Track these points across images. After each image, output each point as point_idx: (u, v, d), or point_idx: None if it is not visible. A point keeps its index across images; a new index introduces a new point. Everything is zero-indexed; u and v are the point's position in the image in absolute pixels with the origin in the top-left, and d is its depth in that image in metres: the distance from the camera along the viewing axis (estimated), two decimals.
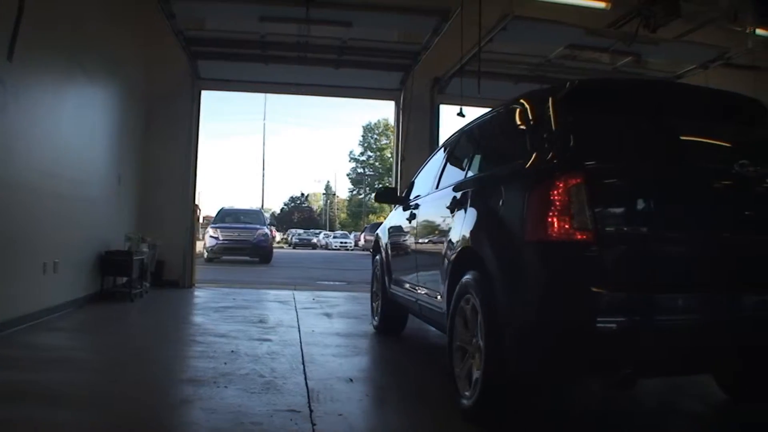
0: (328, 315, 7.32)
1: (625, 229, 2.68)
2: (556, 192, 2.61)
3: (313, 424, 3.12)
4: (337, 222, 70.76)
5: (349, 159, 71.55)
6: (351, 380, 4.07)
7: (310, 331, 6.02)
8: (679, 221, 2.75)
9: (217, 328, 6.01)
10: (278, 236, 52.68)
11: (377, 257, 6.11)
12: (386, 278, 5.64)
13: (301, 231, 50.95)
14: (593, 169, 2.69)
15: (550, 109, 3.05)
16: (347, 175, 70.18)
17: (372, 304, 6.37)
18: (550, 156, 2.85)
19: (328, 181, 75.59)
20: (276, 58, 8.86)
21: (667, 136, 2.97)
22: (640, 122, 3.00)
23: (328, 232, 53.31)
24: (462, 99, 8.28)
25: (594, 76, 9.24)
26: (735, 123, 3.22)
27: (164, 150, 9.45)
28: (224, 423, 3.11)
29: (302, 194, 74.03)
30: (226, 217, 20.01)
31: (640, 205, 2.74)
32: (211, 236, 18.27)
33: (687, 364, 2.78)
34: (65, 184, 6.33)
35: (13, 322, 5.22)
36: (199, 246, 15.61)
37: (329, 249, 43.81)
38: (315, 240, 48.26)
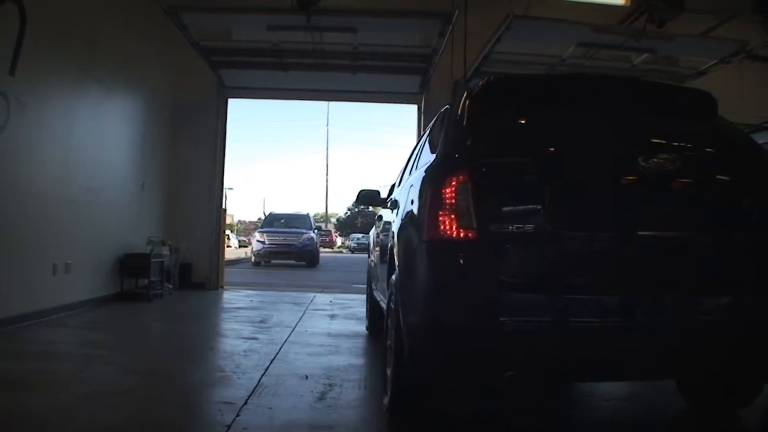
0: (332, 316, 7.43)
1: (512, 228, 2.52)
2: (442, 191, 2.57)
3: (237, 415, 3.23)
4: None
5: None
6: (306, 377, 4.16)
7: (303, 330, 6.15)
8: (572, 220, 2.61)
9: (213, 327, 6.25)
10: (339, 241, 53.44)
11: (368, 259, 6.20)
12: (370, 280, 5.71)
13: (360, 236, 51.52)
14: (481, 167, 2.60)
15: (464, 106, 3.03)
16: None
17: (366, 306, 6.45)
18: (451, 154, 2.83)
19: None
20: (294, 65, 9.08)
21: (574, 132, 2.84)
22: (549, 118, 2.89)
23: None
24: None
25: (609, 75, 9.00)
26: (669, 117, 3.07)
27: (192, 157, 9.87)
28: (155, 412, 3.28)
29: None
30: (274, 221, 20.54)
31: (530, 203, 2.58)
32: (257, 240, 18.82)
33: (574, 369, 2.61)
34: (78, 190, 6.75)
35: (21, 318, 5.62)
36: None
37: None
38: None
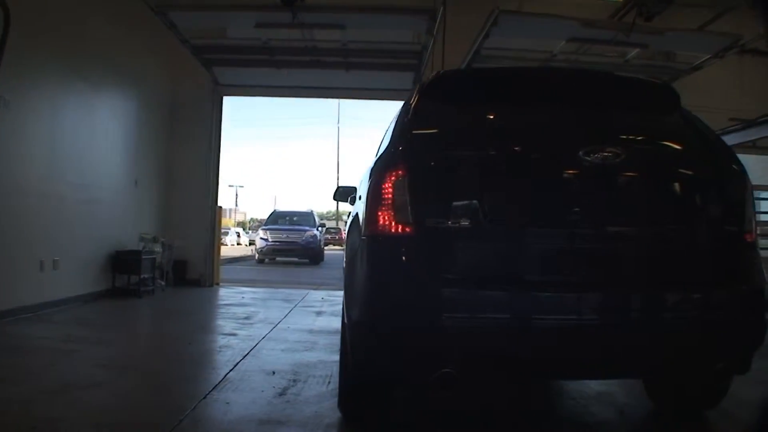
0: (319, 313, 7.45)
1: (448, 223, 2.49)
2: (381, 186, 2.54)
3: (193, 410, 3.27)
4: None
5: None
6: (273, 373, 4.18)
7: (285, 327, 6.18)
8: (508, 215, 2.57)
9: (197, 323, 6.29)
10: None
11: None
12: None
13: None
14: (419, 162, 2.56)
15: (412, 100, 3.02)
16: None
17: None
18: (392, 149, 2.81)
19: None
20: (287, 62, 9.11)
21: (516, 126, 2.78)
22: (492, 112, 2.86)
23: None
24: None
25: (602, 70, 8.94)
26: (625, 110, 3.01)
27: (187, 154, 9.95)
28: (114, 406, 3.33)
29: None
30: (278, 219, 20.60)
31: (467, 198, 2.52)
32: (261, 238, 18.90)
33: (510, 366, 2.53)
34: (66, 187, 6.83)
35: (6, 314, 5.71)
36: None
37: None
38: None
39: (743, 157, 8.94)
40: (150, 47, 8.93)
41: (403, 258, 2.49)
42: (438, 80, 3.04)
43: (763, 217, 11.44)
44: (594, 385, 3.91)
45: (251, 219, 63.94)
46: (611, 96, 3.04)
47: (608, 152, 2.55)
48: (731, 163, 2.78)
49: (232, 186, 61.71)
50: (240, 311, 7.27)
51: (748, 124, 8.43)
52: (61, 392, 3.52)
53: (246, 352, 4.81)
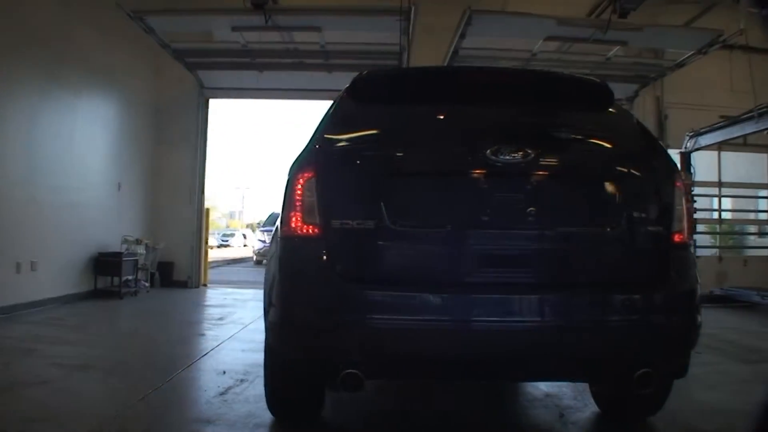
0: None
1: (354, 224, 2.46)
2: (292, 187, 2.55)
3: (129, 408, 3.31)
4: None
5: None
6: (224, 372, 4.21)
7: (254, 327, 6.17)
8: (413, 216, 2.51)
9: (168, 323, 6.35)
10: None
11: None
12: None
13: None
14: (329, 163, 2.56)
15: (335, 101, 3.03)
16: None
17: None
18: (306, 150, 2.80)
19: None
20: (269, 65, 9.17)
21: (428, 127, 2.75)
22: (405, 113, 2.82)
23: None
24: None
25: (585, 69, 8.92)
26: (550, 108, 2.97)
27: (173, 157, 10.04)
28: (53, 404, 3.39)
29: None
30: (275, 221, 20.52)
31: (374, 199, 2.47)
32: (259, 240, 18.97)
33: (413, 367, 2.50)
34: (44, 191, 6.93)
35: None
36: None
37: None
38: None
39: (737, 156, 8.90)
40: (134, 51, 9.02)
41: (309, 259, 2.49)
42: (360, 81, 3.01)
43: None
44: (544, 387, 3.91)
45: (259, 221, 64.19)
46: (539, 94, 2.98)
47: (519, 152, 2.47)
48: (660, 161, 2.70)
49: (239, 188, 62.04)
50: (216, 312, 7.32)
51: (732, 121, 8.36)
52: (6, 390, 3.59)
53: (206, 352, 4.85)
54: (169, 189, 10.05)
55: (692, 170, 9.32)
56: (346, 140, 2.74)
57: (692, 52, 8.31)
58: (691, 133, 9.19)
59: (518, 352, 2.41)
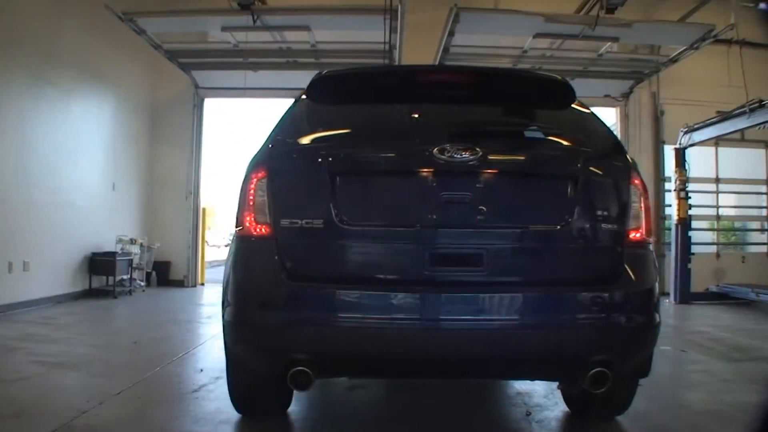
0: None
1: (303, 223, 2.49)
2: (245, 187, 2.59)
3: (100, 403, 3.38)
4: None
5: None
6: (201, 370, 4.26)
7: None
8: (360, 215, 2.53)
9: (157, 322, 6.40)
10: None
11: None
12: None
13: None
14: (280, 163, 2.58)
15: (296, 100, 3.06)
16: None
17: None
18: (260, 151, 2.77)
19: None
20: (262, 65, 9.22)
21: (378, 127, 2.79)
22: (356, 113, 2.86)
23: None
24: None
25: (578, 66, 8.93)
26: (507, 107, 2.98)
27: (169, 157, 10.13)
28: (27, 400, 3.45)
29: None
30: None
31: (323, 198, 2.49)
32: None
33: (360, 365, 2.54)
34: (36, 191, 7.01)
35: None
36: None
37: None
38: None
39: (733, 151, 8.82)
40: (129, 52, 9.09)
41: (260, 258, 2.53)
42: (317, 81, 3.02)
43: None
44: (517, 386, 3.91)
45: None
46: (497, 93, 3.00)
47: (466, 150, 2.47)
48: (616, 159, 2.68)
49: None
50: (207, 311, 7.38)
51: (725, 116, 8.31)
52: None
53: (188, 350, 4.90)
54: (164, 188, 10.13)
55: (686, 166, 9.26)
56: (298, 140, 2.77)
57: (684, 48, 8.27)
58: (685, 129, 9.14)
59: (467, 350, 2.41)
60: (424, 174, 2.54)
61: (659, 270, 9.87)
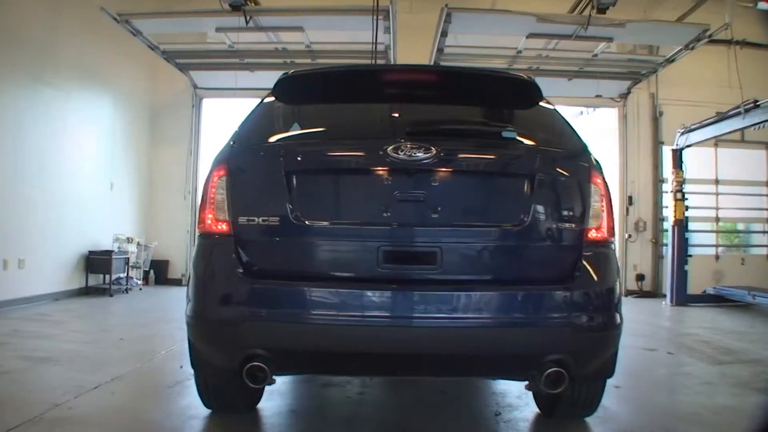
0: None
1: (260, 220, 2.53)
2: (207, 185, 2.64)
3: (75, 397, 3.46)
4: None
5: None
6: (181, 367, 4.29)
7: None
8: (317, 212, 2.55)
9: (148, 320, 6.47)
10: None
11: None
12: None
13: None
14: (239, 161, 2.62)
15: (263, 99, 3.10)
16: None
17: None
18: (222, 150, 2.80)
19: None
20: (259, 65, 9.28)
21: (335, 126, 2.84)
22: (314, 113, 2.91)
23: None
24: None
25: (573, 66, 8.91)
26: (469, 106, 3.00)
27: (168, 157, 10.23)
28: (6, 392, 3.55)
29: None
30: None
31: (280, 196, 2.53)
32: None
33: (317, 361, 2.56)
34: (33, 190, 7.11)
35: None
36: None
37: None
38: None
39: (733, 152, 8.75)
40: (128, 53, 9.15)
41: (219, 255, 2.57)
42: (282, 81, 3.06)
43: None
44: (492, 386, 3.92)
45: None
46: (459, 92, 3.02)
47: (419, 149, 2.49)
48: (576, 159, 2.68)
49: None
50: None
51: (721, 117, 8.27)
52: None
53: (172, 347, 4.95)
54: (163, 188, 10.23)
55: (683, 167, 9.22)
56: (259, 139, 2.81)
57: (680, 48, 8.25)
58: (682, 130, 9.11)
59: (420, 348, 2.42)
60: (379, 172, 2.55)
61: (660, 271, 10.01)
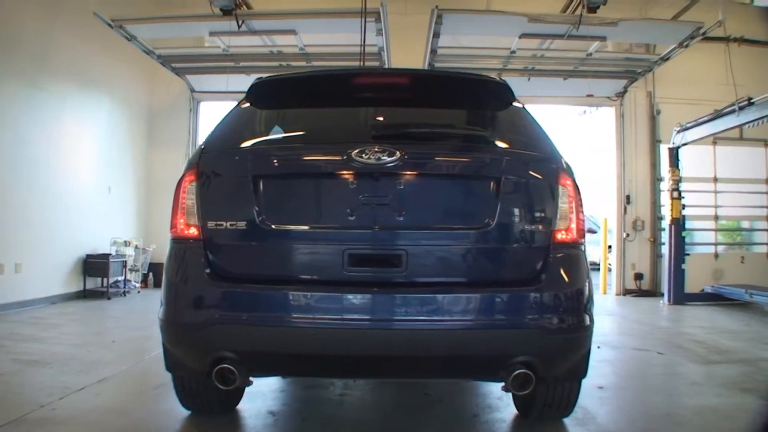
0: None
1: (228, 225, 2.56)
2: (178, 189, 2.69)
3: (60, 399, 3.53)
4: None
5: None
6: None
7: None
8: (284, 216, 2.57)
9: (143, 322, 6.49)
10: None
11: None
12: None
13: None
14: (209, 166, 2.65)
15: (237, 104, 3.13)
16: None
17: None
18: (194, 153, 2.85)
19: None
20: (255, 68, 9.31)
21: (307, 129, 2.88)
22: (283, 118, 2.94)
23: None
24: None
25: (567, 66, 8.91)
26: (439, 109, 3.02)
27: (166, 160, 10.23)
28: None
29: None
30: None
31: (248, 201, 2.56)
32: None
33: (284, 364, 2.60)
34: (30, 194, 7.18)
35: None
36: None
37: None
38: None
39: (732, 150, 8.71)
40: (125, 57, 9.21)
41: (188, 259, 2.61)
42: (254, 86, 3.10)
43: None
44: (475, 387, 3.92)
45: None
46: (429, 95, 3.05)
47: (384, 153, 2.50)
48: (544, 160, 2.68)
49: None
50: None
51: (716, 115, 8.24)
52: None
53: (161, 350, 4.98)
54: (161, 192, 10.22)
55: (680, 165, 9.19)
56: (229, 144, 2.84)
57: (674, 46, 8.23)
58: (678, 128, 9.09)
59: (387, 350, 2.44)
60: (344, 176, 2.56)
61: (658, 270, 9.98)
